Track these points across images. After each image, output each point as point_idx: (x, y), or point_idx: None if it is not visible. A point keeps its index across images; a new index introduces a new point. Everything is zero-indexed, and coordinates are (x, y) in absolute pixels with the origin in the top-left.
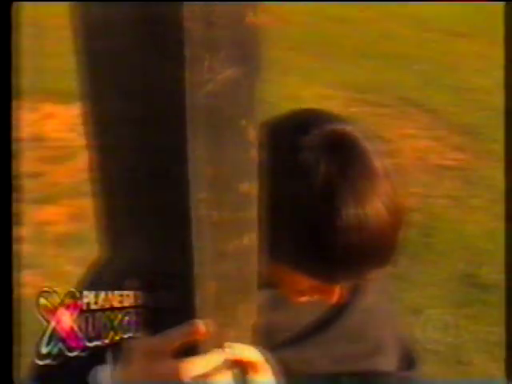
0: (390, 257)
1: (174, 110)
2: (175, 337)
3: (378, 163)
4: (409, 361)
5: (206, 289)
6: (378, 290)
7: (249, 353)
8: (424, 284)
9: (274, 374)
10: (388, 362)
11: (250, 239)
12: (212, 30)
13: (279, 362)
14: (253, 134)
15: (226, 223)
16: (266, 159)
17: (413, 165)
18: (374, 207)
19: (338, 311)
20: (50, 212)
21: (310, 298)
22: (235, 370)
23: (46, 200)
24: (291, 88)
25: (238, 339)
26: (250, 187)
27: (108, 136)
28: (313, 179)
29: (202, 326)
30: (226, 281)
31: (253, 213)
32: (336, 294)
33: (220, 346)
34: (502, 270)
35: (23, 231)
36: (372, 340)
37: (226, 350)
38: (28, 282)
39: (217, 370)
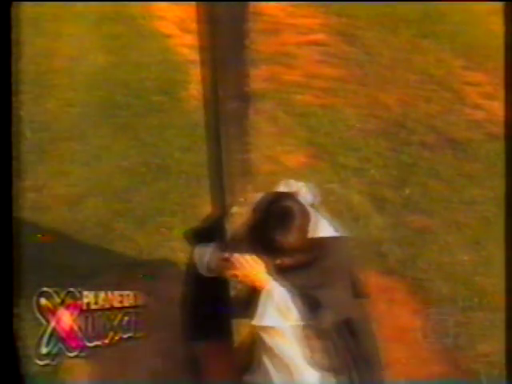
0: (296, 254)
1: (214, 119)
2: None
3: (299, 218)
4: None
5: None
6: (337, 255)
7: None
8: (487, 185)
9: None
10: (335, 293)
11: None
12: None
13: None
14: (247, 125)
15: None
16: (255, 214)
17: None
18: (291, 237)
19: (311, 262)
20: None
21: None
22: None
23: None
24: None
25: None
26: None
27: None
28: (271, 225)
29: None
30: None
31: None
32: (280, 260)
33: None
34: None
35: None
36: (326, 278)
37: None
38: None
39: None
